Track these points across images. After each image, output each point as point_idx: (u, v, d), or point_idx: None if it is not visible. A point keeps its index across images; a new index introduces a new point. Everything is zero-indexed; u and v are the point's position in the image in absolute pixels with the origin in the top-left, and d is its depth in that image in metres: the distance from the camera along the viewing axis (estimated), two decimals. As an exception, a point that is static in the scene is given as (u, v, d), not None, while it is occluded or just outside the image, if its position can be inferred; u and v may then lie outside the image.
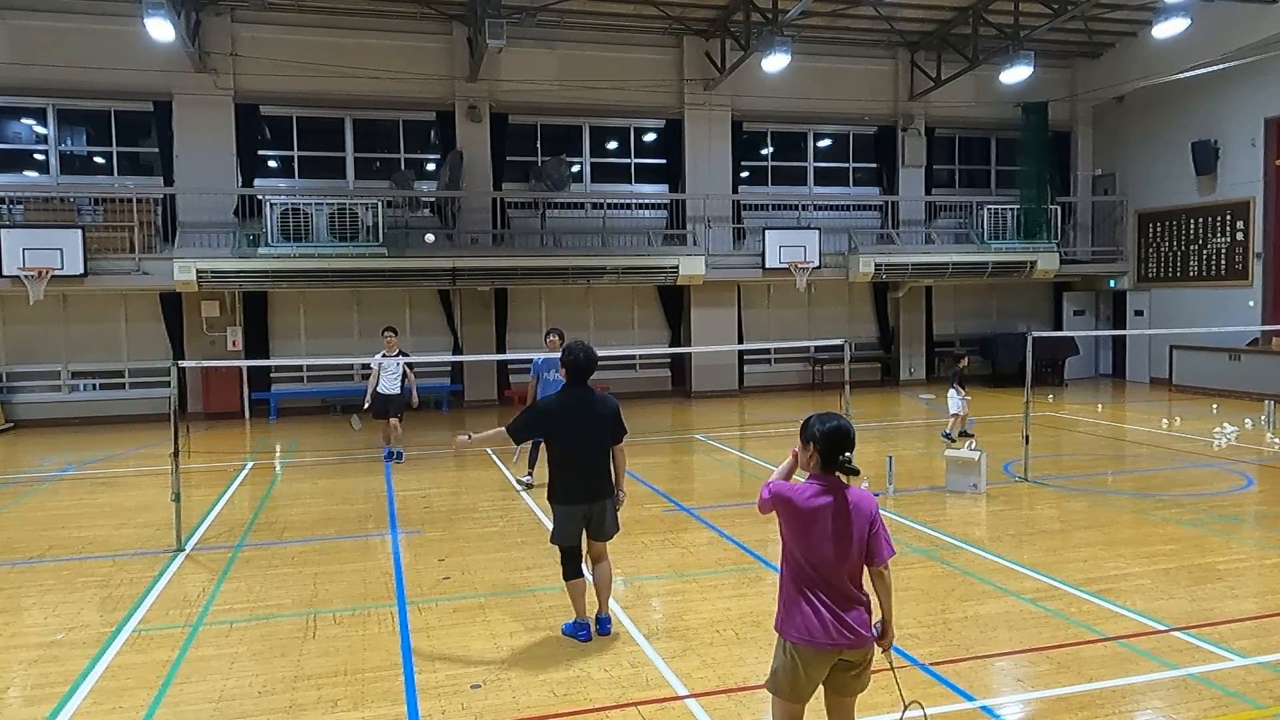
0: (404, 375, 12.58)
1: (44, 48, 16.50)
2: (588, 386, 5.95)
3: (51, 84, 16.68)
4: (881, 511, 3.82)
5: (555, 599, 6.63)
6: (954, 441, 12.69)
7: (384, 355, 12.38)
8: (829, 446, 3.65)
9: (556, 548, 6.00)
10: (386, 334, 12.69)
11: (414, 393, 12.77)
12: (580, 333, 18.39)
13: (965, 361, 14.26)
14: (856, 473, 3.64)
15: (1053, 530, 8.48)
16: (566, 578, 5.98)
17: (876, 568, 3.69)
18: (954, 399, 13.46)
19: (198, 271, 15.93)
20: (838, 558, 3.61)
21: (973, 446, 10.13)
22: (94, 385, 17.66)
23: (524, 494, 10.43)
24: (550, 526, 6.09)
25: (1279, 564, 7.38)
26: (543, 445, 11.38)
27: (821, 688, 3.75)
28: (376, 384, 12.52)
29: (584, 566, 6.04)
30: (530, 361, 11.76)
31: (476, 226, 18.62)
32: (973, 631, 5.93)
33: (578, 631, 5.96)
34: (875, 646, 3.73)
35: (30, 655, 5.84)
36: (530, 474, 10.76)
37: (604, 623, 6.09)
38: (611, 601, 6.61)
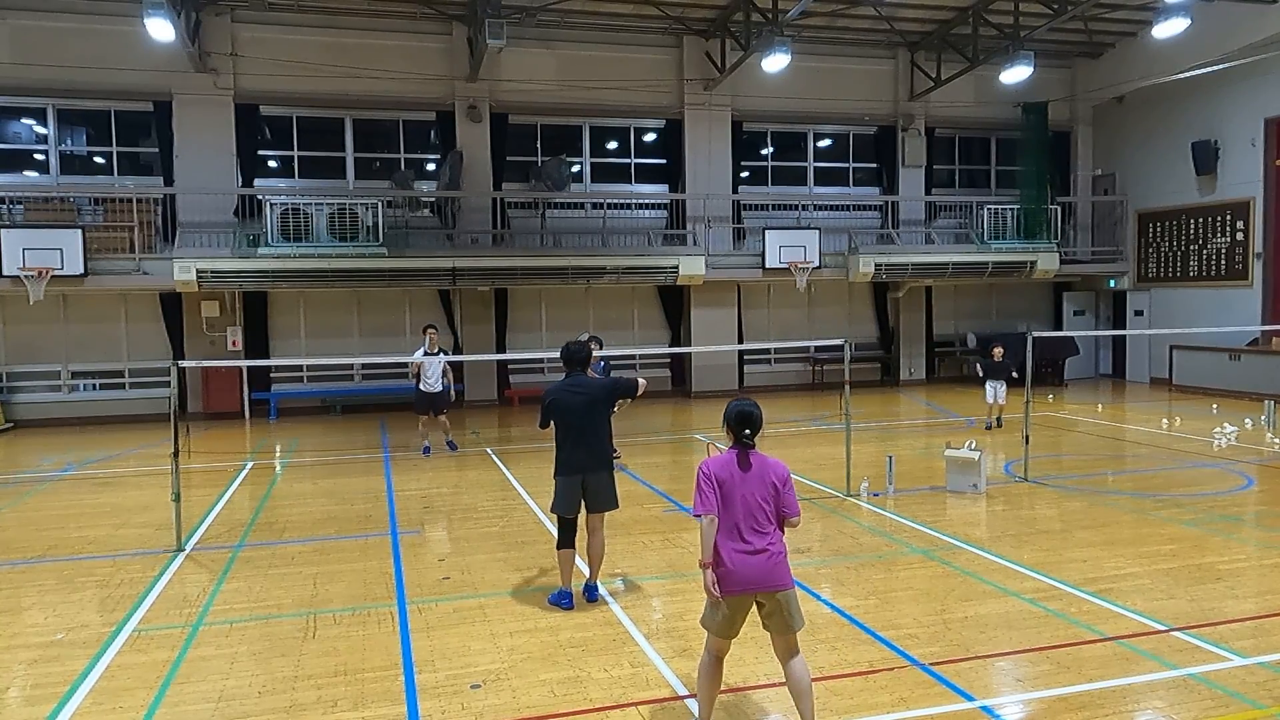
0: (445, 373, 13.03)
1: (44, 48, 16.50)
2: (582, 372, 6.61)
3: (51, 84, 16.68)
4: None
5: (555, 599, 6.65)
6: (993, 429, 14.21)
7: (425, 352, 12.85)
8: (736, 425, 4.51)
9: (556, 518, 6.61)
10: (429, 330, 13.22)
11: (451, 390, 13.29)
12: (580, 333, 18.41)
13: (998, 351, 14.70)
14: (752, 446, 4.46)
15: (1053, 530, 8.48)
16: (558, 546, 6.55)
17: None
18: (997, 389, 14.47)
19: (198, 271, 15.93)
20: (749, 511, 4.39)
21: (973, 446, 10.13)
22: (94, 385, 17.65)
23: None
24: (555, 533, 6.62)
25: (1279, 564, 7.38)
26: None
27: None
28: (420, 379, 12.96)
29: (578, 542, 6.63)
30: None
31: (476, 226, 18.62)
32: (973, 631, 5.93)
33: (561, 600, 6.45)
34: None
35: (30, 655, 5.83)
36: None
37: (591, 590, 6.61)
38: (612, 602, 6.63)
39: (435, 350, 12.98)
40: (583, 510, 6.59)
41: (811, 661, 5.47)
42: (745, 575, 4.33)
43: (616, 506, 6.72)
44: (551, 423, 6.54)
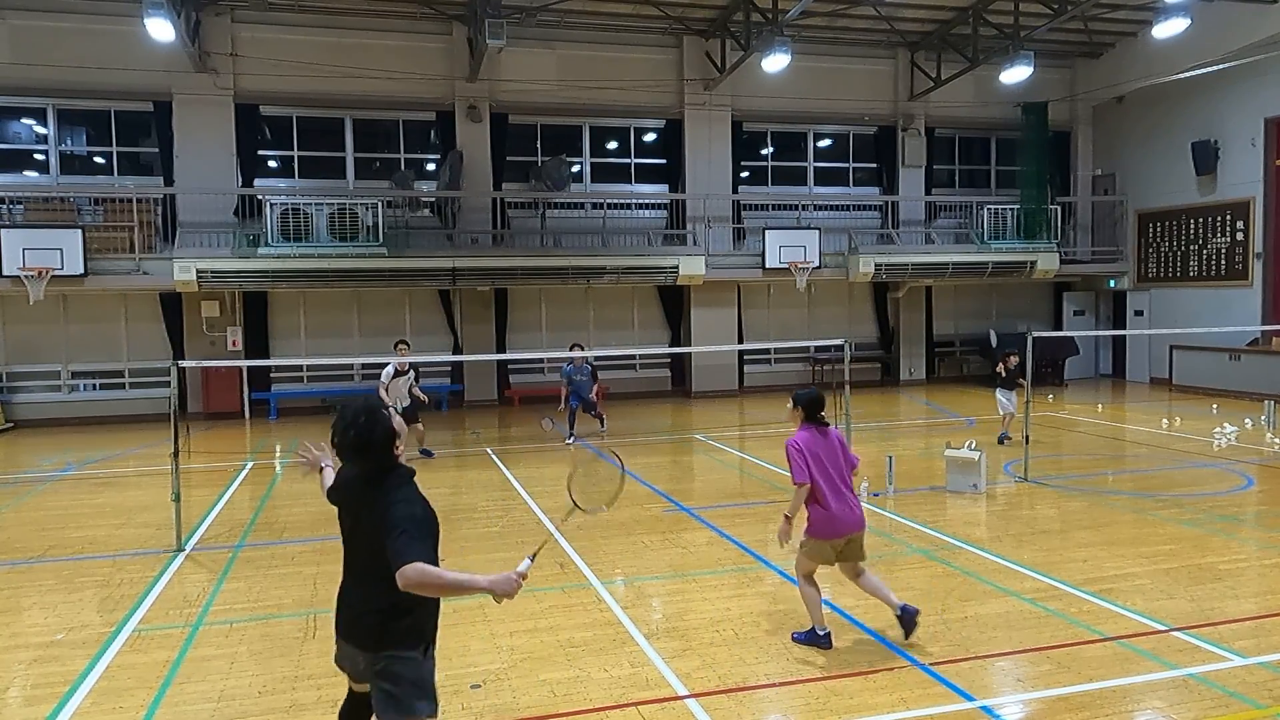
0: (412, 384, 12.53)
1: (44, 48, 16.49)
2: (370, 468, 3.59)
3: (51, 84, 16.67)
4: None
5: (555, 599, 6.64)
6: (1010, 441, 12.89)
7: (396, 371, 12.30)
8: (810, 407, 5.82)
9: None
10: (400, 346, 12.74)
11: (420, 398, 12.69)
12: (580, 333, 18.44)
13: (1013, 360, 13.23)
14: (827, 425, 5.80)
15: (1053, 530, 8.48)
16: None
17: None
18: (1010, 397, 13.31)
19: (198, 271, 15.92)
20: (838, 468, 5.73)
21: (972, 446, 10.13)
22: (94, 385, 17.65)
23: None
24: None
25: (1279, 564, 7.38)
26: (579, 409, 14.01)
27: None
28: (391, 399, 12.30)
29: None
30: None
31: (476, 226, 18.61)
32: (973, 631, 5.93)
33: None
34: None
35: (30, 655, 5.83)
36: (572, 434, 12.99)
37: None
38: (612, 602, 6.62)
39: (406, 369, 12.41)
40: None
41: (811, 661, 5.49)
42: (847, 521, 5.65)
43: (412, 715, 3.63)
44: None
